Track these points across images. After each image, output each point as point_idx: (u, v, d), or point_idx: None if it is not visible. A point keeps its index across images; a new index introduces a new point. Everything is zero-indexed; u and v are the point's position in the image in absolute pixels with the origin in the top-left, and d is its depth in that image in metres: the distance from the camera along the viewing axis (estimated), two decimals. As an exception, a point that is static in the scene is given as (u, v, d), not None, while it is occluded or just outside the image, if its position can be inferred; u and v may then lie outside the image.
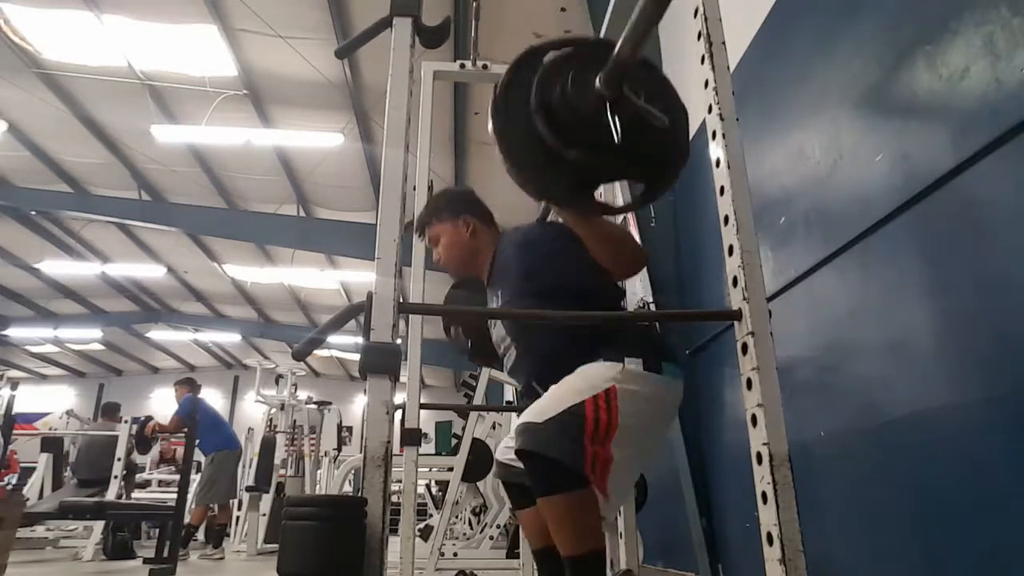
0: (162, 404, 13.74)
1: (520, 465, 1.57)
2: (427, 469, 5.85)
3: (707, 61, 1.45)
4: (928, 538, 1.66)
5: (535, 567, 1.99)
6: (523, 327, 1.77)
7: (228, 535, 6.97)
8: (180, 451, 7.92)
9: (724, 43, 1.46)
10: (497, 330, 1.86)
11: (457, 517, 7.26)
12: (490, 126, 1.42)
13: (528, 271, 1.74)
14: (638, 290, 4.15)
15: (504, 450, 1.84)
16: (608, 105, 1.33)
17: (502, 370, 1.92)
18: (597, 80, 1.34)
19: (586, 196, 1.46)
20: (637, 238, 4.26)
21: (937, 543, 1.74)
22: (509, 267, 1.81)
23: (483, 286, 1.97)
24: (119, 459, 5.81)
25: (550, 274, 1.70)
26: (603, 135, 1.33)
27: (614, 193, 2.26)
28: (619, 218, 4.56)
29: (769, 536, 1.16)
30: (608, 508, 1.56)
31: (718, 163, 1.40)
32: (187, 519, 5.71)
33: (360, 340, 1.27)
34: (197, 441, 5.18)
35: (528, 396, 1.76)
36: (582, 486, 1.45)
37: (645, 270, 4.18)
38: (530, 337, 1.75)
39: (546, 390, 1.63)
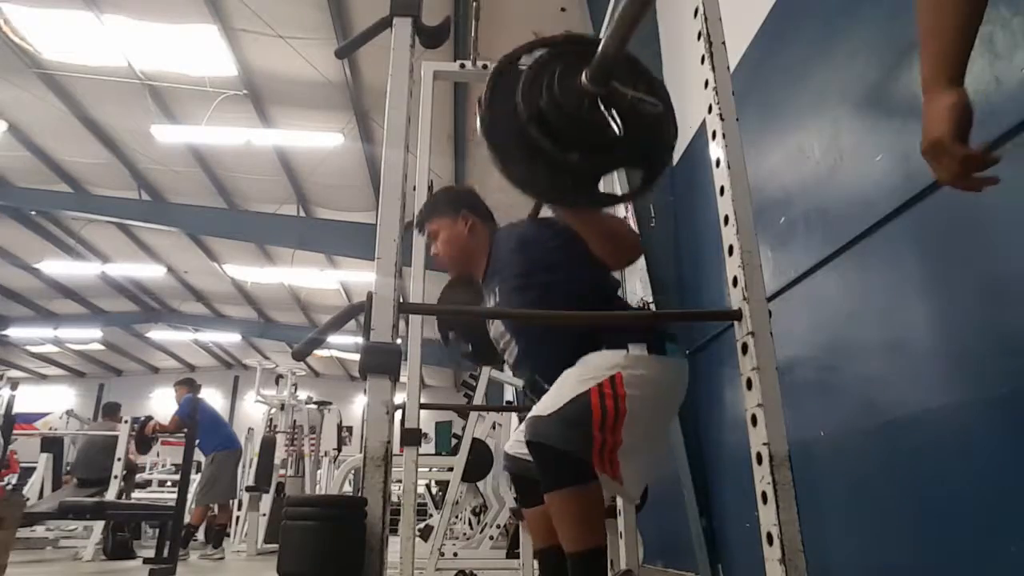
0: (162, 404, 13.74)
1: (530, 457, 1.58)
2: (427, 469, 5.85)
3: (707, 61, 1.45)
4: (928, 538, 1.66)
5: (535, 567, 2.00)
6: (521, 327, 1.78)
7: (228, 535, 6.97)
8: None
9: (724, 43, 1.46)
10: (496, 327, 1.87)
11: (457, 517, 7.26)
12: (480, 134, 1.42)
13: (525, 269, 1.76)
14: (638, 290, 4.15)
15: (514, 444, 1.85)
16: (600, 101, 1.34)
17: (502, 370, 1.92)
18: (583, 77, 1.34)
19: (590, 192, 1.47)
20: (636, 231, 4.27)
21: (937, 543, 1.74)
22: (506, 265, 1.82)
23: (478, 287, 1.97)
24: (119, 459, 5.81)
25: (547, 272, 1.72)
26: (599, 132, 1.33)
27: (612, 182, 2.26)
28: (620, 212, 4.57)
29: (769, 536, 1.16)
30: (627, 491, 1.57)
31: (718, 163, 1.40)
32: (187, 519, 5.72)
33: (360, 340, 1.27)
34: (197, 441, 5.18)
35: (532, 391, 1.78)
36: (589, 480, 1.47)
37: (645, 270, 4.18)
38: (531, 331, 1.76)
39: (551, 383, 1.63)
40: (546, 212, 2.03)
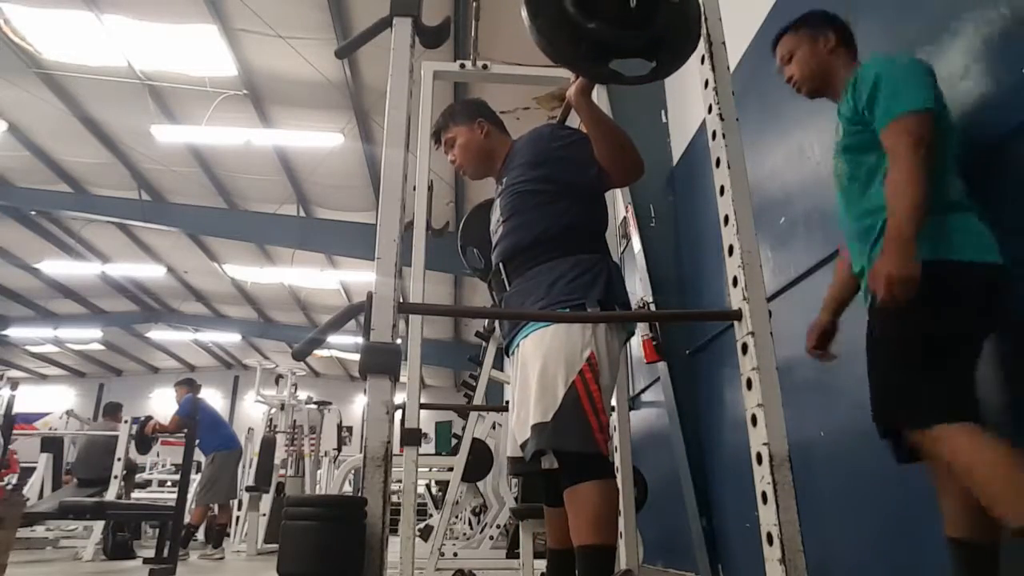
0: (162, 404, 13.74)
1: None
2: (427, 469, 5.85)
3: (707, 61, 1.45)
4: (928, 537, 1.66)
5: (535, 567, 2.00)
6: (519, 202, 1.84)
7: (228, 535, 6.97)
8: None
9: (724, 43, 1.46)
10: (495, 214, 1.95)
11: (457, 517, 7.26)
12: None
13: (535, 159, 1.84)
14: (638, 290, 4.15)
15: (515, 446, 1.86)
16: None
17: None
18: None
19: (601, 65, 1.48)
20: (637, 237, 4.27)
21: (937, 542, 1.74)
22: (519, 155, 1.91)
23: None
24: (119, 459, 5.81)
25: (554, 165, 1.81)
26: (621, 7, 1.38)
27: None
28: (619, 218, 4.56)
29: (769, 536, 1.16)
30: None
31: (718, 163, 1.40)
32: (187, 519, 5.72)
33: (360, 340, 1.27)
34: (197, 441, 5.18)
35: (495, 277, 1.88)
36: (607, 475, 1.58)
37: (645, 270, 4.18)
38: (525, 215, 1.82)
39: (511, 277, 1.79)
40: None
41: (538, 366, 1.62)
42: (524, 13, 1.42)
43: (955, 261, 1.50)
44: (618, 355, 1.75)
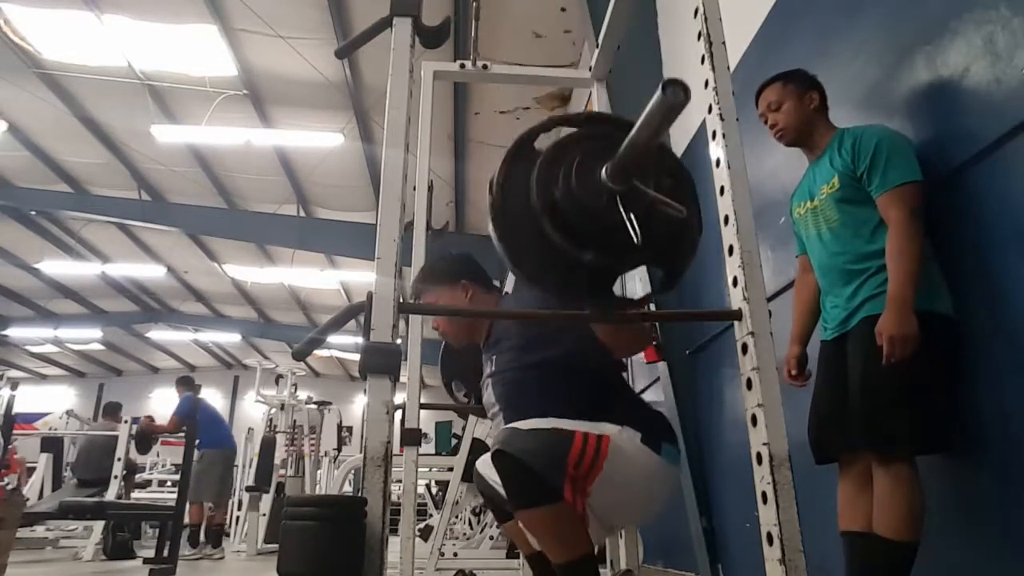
0: (162, 404, 13.74)
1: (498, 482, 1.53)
2: (427, 469, 5.84)
3: (707, 61, 1.45)
4: (927, 537, 1.66)
5: (535, 567, 1.99)
6: (515, 393, 1.72)
7: (228, 535, 6.96)
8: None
9: (724, 43, 1.46)
10: (487, 395, 1.81)
11: (457, 517, 7.25)
12: (490, 229, 1.28)
13: (528, 343, 1.71)
14: (638, 290, 4.15)
15: (484, 463, 1.79)
16: (619, 200, 1.20)
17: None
18: (603, 172, 1.21)
19: (606, 296, 1.35)
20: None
21: (936, 542, 1.74)
22: (508, 336, 1.77)
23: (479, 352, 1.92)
24: (119, 459, 5.81)
25: (550, 348, 1.67)
26: (617, 232, 1.19)
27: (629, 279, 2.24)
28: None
29: (769, 536, 1.16)
30: (593, 532, 1.53)
31: (718, 163, 1.40)
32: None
33: (360, 340, 1.27)
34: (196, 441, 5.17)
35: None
36: (558, 500, 1.43)
37: (645, 270, 4.17)
38: (523, 406, 1.65)
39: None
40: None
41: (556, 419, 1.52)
42: (493, 235, 1.25)
43: (942, 314, 1.72)
44: (636, 503, 1.63)
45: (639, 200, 1.21)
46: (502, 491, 1.54)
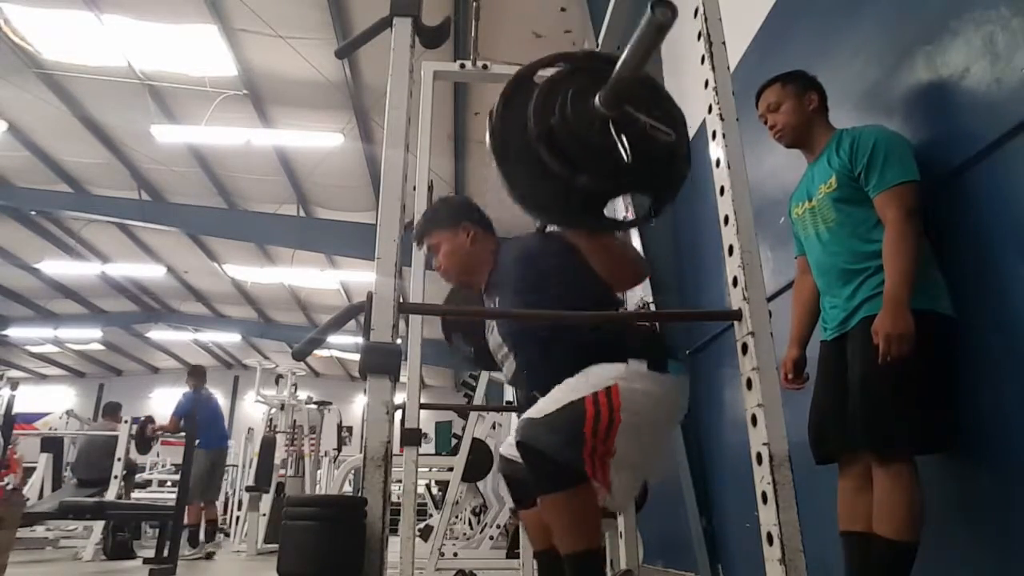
0: (162, 404, 13.74)
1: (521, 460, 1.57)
2: (427, 469, 5.84)
3: (707, 61, 1.45)
4: (927, 536, 1.67)
5: (535, 567, 2.00)
6: (522, 335, 1.75)
7: (228, 534, 6.95)
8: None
9: (724, 43, 1.45)
10: (493, 337, 1.84)
11: (457, 517, 7.26)
12: (489, 155, 1.35)
13: (528, 284, 1.74)
14: (638, 290, 4.15)
15: (508, 445, 1.84)
16: (612, 124, 1.28)
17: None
18: (596, 99, 1.29)
19: (596, 215, 1.42)
20: (639, 245, 4.26)
21: (936, 541, 1.74)
22: (509, 278, 1.80)
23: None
24: (119, 459, 5.81)
25: (550, 287, 1.69)
26: (610, 156, 1.28)
27: (616, 205, 2.26)
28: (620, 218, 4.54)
29: (769, 536, 1.16)
30: (612, 501, 1.56)
31: (718, 163, 1.40)
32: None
33: (360, 340, 1.27)
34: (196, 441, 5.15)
35: (530, 404, 1.76)
36: (580, 483, 1.46)
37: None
38: (531, 348, 1.73)
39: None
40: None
41: (558, 387, 1.56)
42: (492, 160, 1.32)
43: (942, 314, 1.73)
44: (658, 429, 1.66)
45: (630, 123, 1.29)
46: (526, 474, 1.57)
